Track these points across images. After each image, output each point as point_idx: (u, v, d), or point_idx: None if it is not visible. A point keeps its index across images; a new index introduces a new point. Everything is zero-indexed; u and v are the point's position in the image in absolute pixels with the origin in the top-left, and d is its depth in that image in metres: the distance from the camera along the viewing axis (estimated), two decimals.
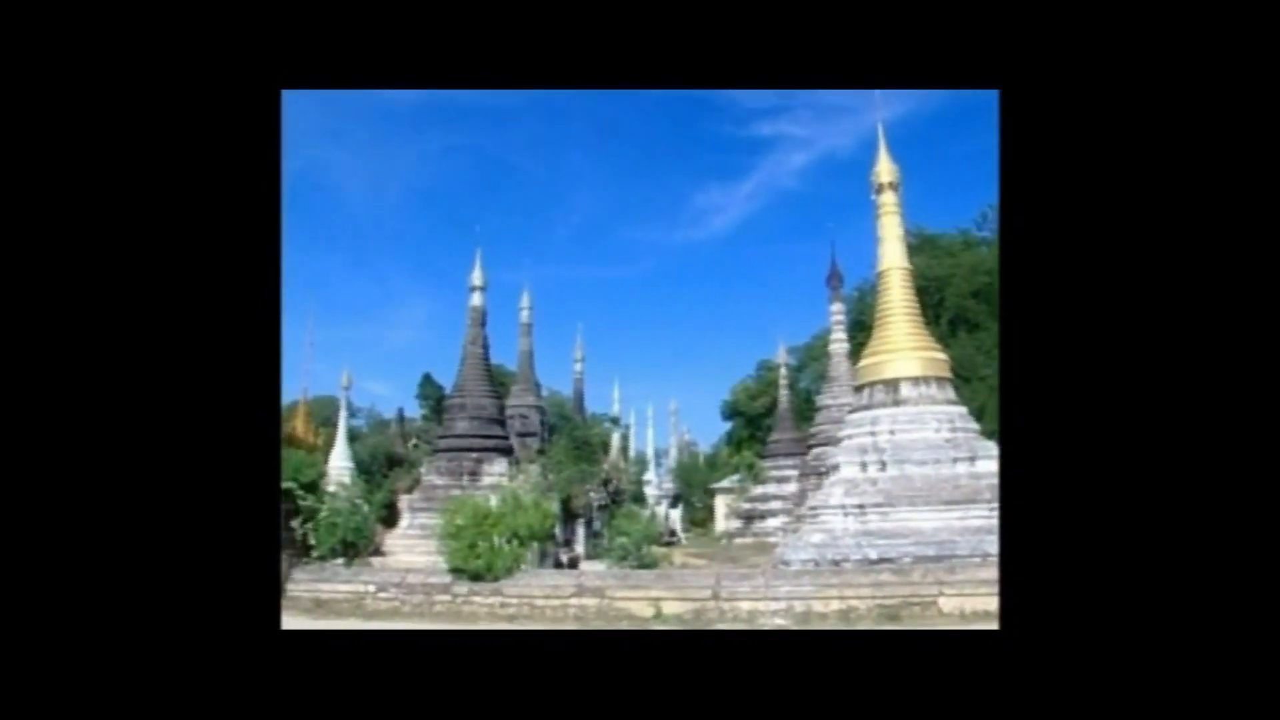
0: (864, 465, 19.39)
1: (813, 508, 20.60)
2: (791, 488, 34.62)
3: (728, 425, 63.91)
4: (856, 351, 27.68)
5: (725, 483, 46.96)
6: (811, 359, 50.84)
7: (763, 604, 13.91)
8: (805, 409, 41.35)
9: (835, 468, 20.39)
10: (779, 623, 13.50)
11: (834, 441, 23.91)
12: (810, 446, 33.40)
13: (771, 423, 43.19)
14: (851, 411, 21.83)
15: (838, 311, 34.96)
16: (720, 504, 46.17)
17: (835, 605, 13.51)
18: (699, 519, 50.67)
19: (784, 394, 40.90)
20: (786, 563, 17.70)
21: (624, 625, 13.83)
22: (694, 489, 52.61)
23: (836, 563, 16.82)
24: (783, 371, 42.09)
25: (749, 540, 33.71)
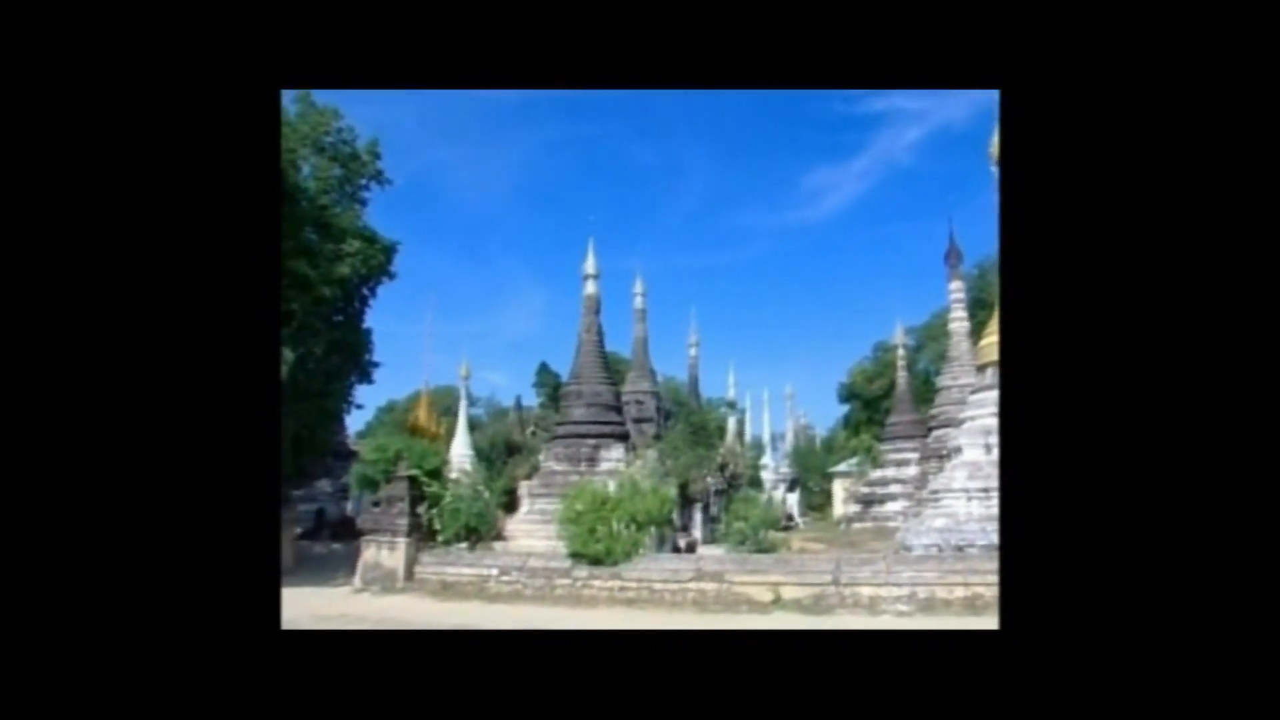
0: (988, 447, 18.78)
1: (934, 492, 20.09)
2: (912, 471, 33.83)
3: (845, 408, 62.82)
4: (978, 330, 26.78)
5: (843, 467, 46.23)
6: (930, 339, 49.45)
7: (884, 590, 13.65)
8: (924, 391, 40.31)
9: (958, 450, 19.83)
10: (901, 609, 13.23)
11: (955, 423, 23.25)
12: (931, 429, 32.55)
13: (890, 405, 42.25)
14: (973, 392, 21.17)
15: (957, 289, 33.82)
16: (838, 488, 45.49)
17: (960, 593, 13.16)
18: (817, 503, 50.06)
19: (902, 375, 39.93)
20: (908, 548, 17.32)
21: (743, 610, 13.80)
22: (811, 473, 51.94)
23: (960, 548, 16.35)
24: (901, 352, 41.07)
25: (868, 525, 33.12)
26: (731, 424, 46.59)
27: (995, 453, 18.53)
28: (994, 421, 19.06)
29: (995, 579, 13.70)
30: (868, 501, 36.02)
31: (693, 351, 46.50)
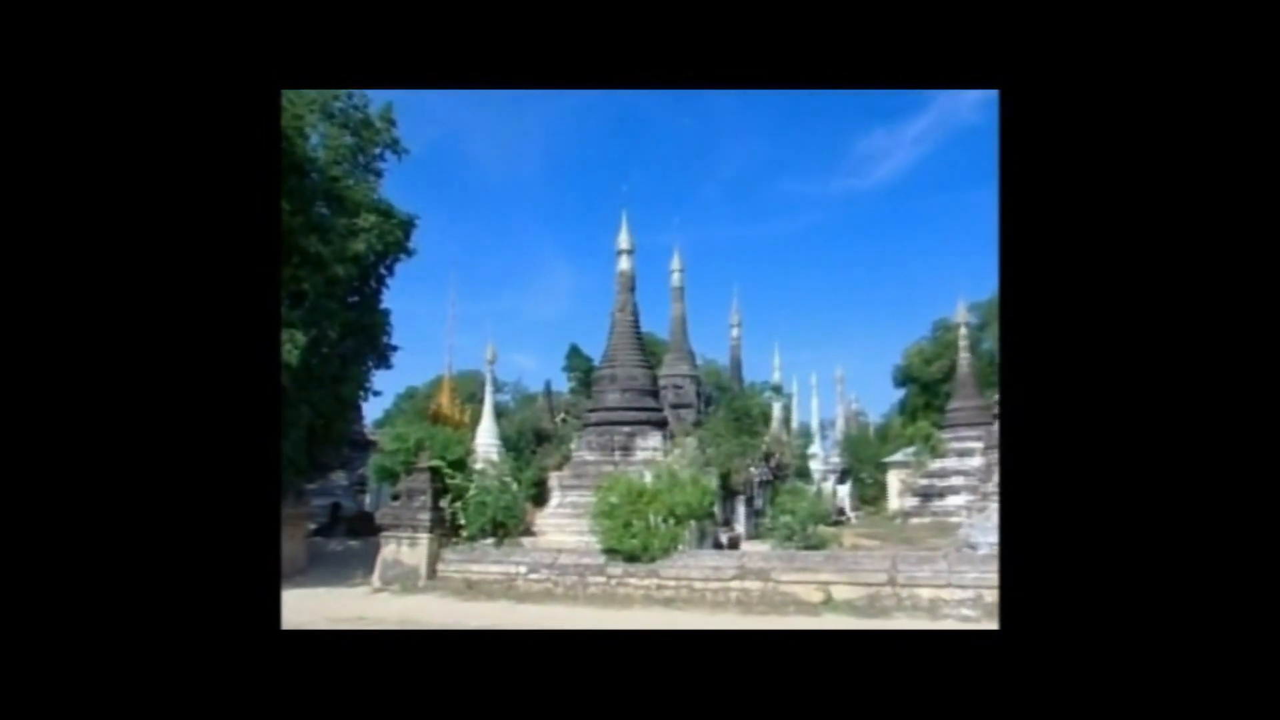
0: None
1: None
2: (975, 461, 33.50)
3: (901, 393, 62.46)
4: None
5: (899, 456, 45.88)
6: (995, 316, 48.83)
7: (946, 592, 13.45)
8: (989, 373, 39.84)
9: None
10: (966, 613, 13.02)
11: None
12: (996, 415, 32.15)
13: (950, 389, 41.88)
14: None
15: None
16: (894, 480, 45.18)
17: None
18: (870, 496, 49.78)
19: (964, 356, 39.49)
20: (973, 546, 17.03)
21: (790, 611, 13.67)
22: (864, 463, 51.64)
23: None
24: (963, 331, 40.61)
25: (927, 520, 32.90)
26: (777, 410, 46.32)
27: None
28: None
29: None
30: (927, 494, 35.73)
31: (735, 332, 46.25)
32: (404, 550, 17.65)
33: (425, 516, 17.64)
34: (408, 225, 21.73)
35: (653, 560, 15.42)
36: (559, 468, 28.36)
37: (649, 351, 31.69)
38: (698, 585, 14.87)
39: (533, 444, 34.16)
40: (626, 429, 26.92)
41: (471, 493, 18.83)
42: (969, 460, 34.46)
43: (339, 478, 33.64)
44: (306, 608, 14.08)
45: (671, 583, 15.06)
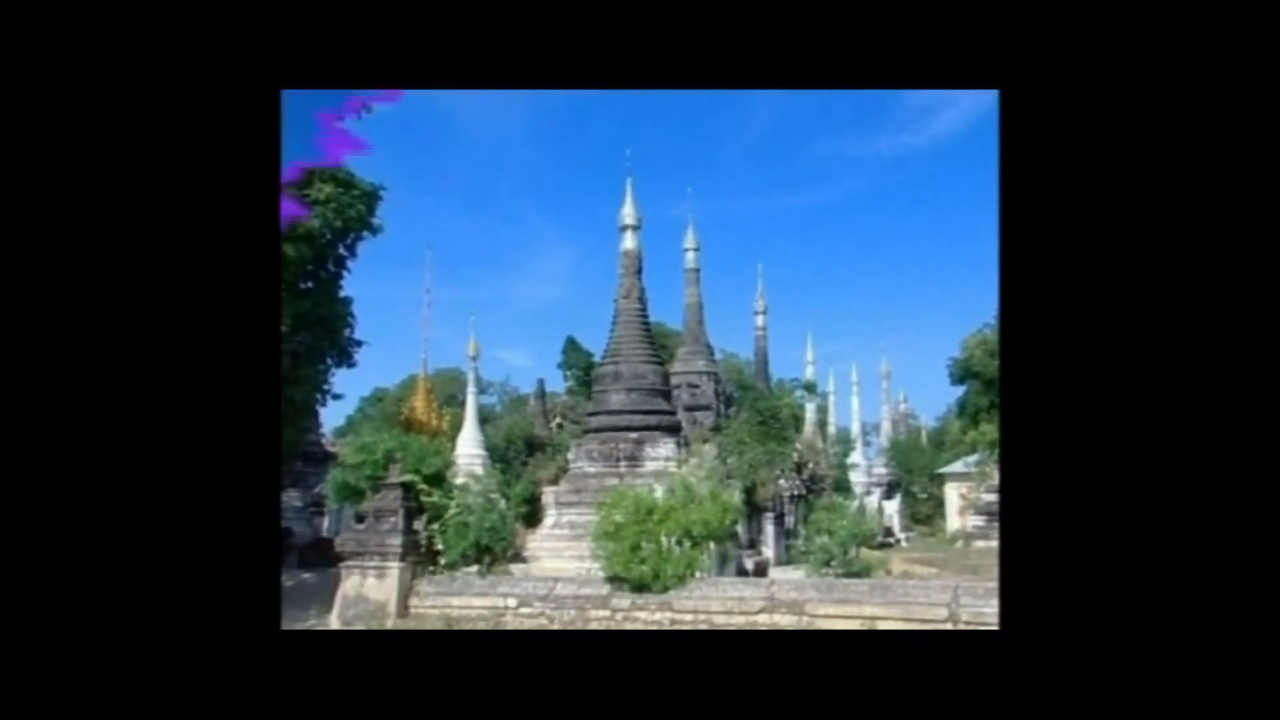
0: None
1: None
2: None
3: (959, 391, 62.16)
4: None
5: (958, 466, 45.85)
6: None
7: None
8: None
9: None
10: None
11: None
12: None
13: None
14: None
15: None
16: (952, 494, 45.18)
17: None
18: (923, 514, 49.80)
19: None
20: None
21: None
22: (916, 475, 51.65)
23: None
24: None
25: (994, 543, 32.72)
26: (811, 411, 46.39)
27: None
28: None
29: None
30: (993, 512, 35.63)
31: (760, 320, 46.27)
32: (369, 583, 17.62)
33: (396, 542, 17.57)
34: (371, 197, 21.65)
35: (665, 590, 15.38)
36: (554, 481, 28.38)
37: (659, 345, 31.68)
38: (718, 620, 14.82)
39: (523, 454, 34.19)
40: (633, 435, 26.90)
41: (451, 512, 18.78)
42: None
43: (290, 497, 33.55)
44: None
45: (687, 616, 15.01)
